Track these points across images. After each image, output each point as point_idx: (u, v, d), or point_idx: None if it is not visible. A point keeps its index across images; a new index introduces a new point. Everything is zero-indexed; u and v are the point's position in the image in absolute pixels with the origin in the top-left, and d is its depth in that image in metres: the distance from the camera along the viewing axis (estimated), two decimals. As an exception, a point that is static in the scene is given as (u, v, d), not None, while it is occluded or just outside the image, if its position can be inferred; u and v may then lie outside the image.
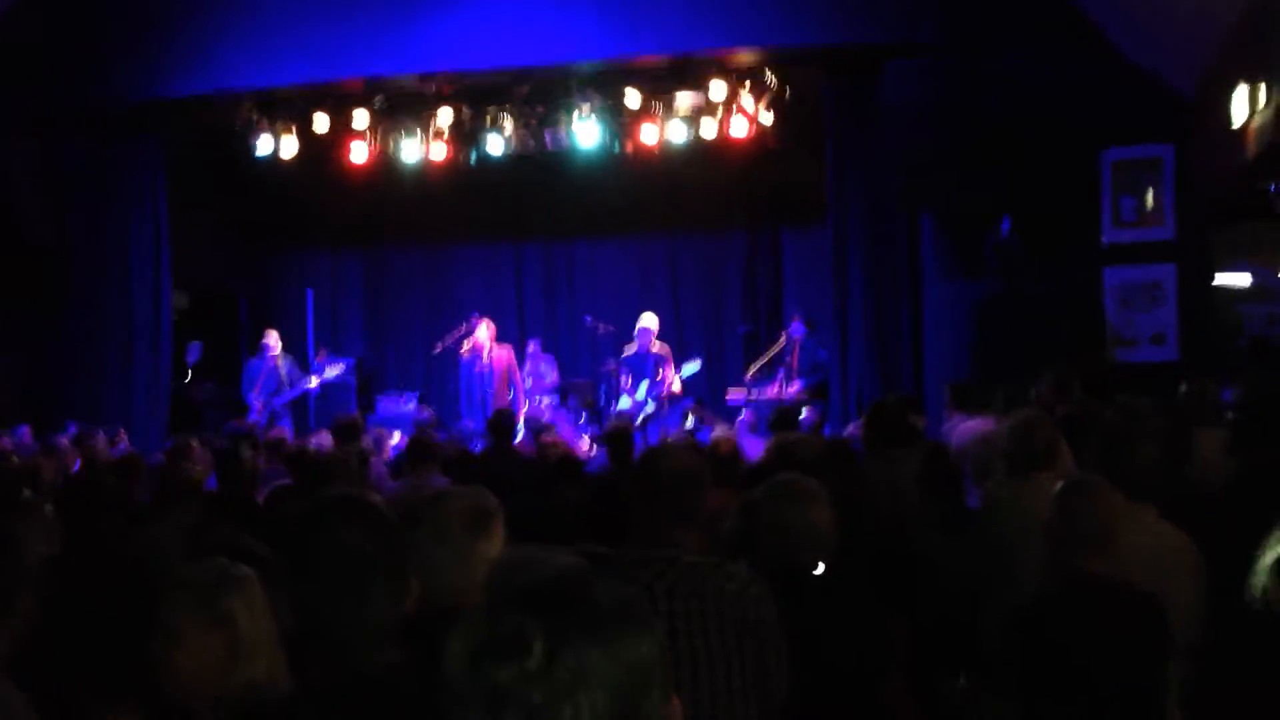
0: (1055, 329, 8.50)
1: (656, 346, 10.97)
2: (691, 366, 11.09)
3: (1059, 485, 3.18)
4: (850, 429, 8.20)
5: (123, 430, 9.18)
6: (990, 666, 3.77)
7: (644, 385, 10.75)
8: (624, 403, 10.83)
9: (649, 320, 10.99)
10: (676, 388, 10.77)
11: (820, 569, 3.21)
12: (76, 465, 7.41)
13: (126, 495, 5.24)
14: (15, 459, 6.90)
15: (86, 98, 10.47)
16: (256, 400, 11.36)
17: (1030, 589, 3.60)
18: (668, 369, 10.84)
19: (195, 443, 7.35)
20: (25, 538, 3.11)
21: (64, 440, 8.07)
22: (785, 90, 10.12)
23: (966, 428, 6.38)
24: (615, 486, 5.35)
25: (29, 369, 11.17)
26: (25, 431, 9.22)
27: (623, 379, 11.14)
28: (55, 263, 11.06)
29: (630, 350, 11.07)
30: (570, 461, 5.80)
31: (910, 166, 8.90)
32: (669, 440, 3.75)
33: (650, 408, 10.56)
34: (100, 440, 7.92)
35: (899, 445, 5.04)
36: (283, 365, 11.47)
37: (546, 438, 7.61)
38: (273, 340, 11.49)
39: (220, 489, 6.03)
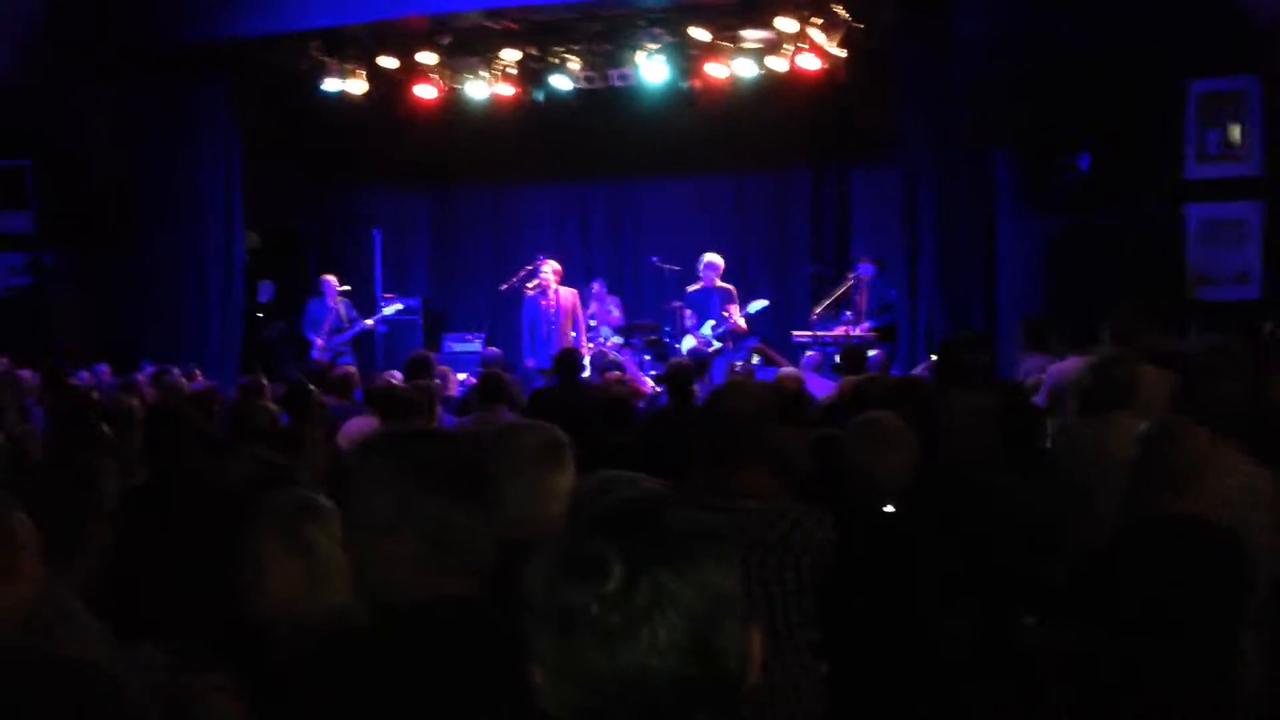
0: (1132, 266, 8.28)
1: (721, 284, 10.88)
2: (758, 304, 11.01)
3: (1145, 425, 3.11)
4: (919, 369, 8.12)
5: (197, 369, 9.34)
6: (1064, 605, 3.72)
7: (709, 324, 10.70)
8: (689, 341, 10.78)
9: (713, 257, 10.90)
10: (742, 324, 10.70)
11: (889, 508, 3.17)
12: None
13: (204, 428, 5.35)
14: (95, 394, 7.03)
15: (156, 39, 10.56)
16: (318, 339, 11.50)
17: (1106, 529, 3.54)
18: (733, 306, 10.76)
19: (266, 381, 7.51)
20: (102, 472, 3.18)
21: (141, 377, 8.25)
22: (856, 24, 9.88)
23: (1040, 364, 6.29)
24: (675, 424, 5.37)
25: (103, 309, 11.40)
26: (105, 369, 9.44)
27: (687, 317, 11.09)
28: (127, 204, 11.24)
29: (695, 288, 11.00)
30: (628, 400, 5.79)
31: (983, 100, 8.66)
32: (735, 378, 3.72)
33: (716, 346, 10.50)
34: (177, 377, 8.08)
35: (970, 384, 4.95)
36: (341, 305, 11.61)
37: (611, 375, 7.63)
38: (332, 281, 11.62)
39: (291, 425, 6.13)
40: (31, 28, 10.84)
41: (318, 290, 11.71)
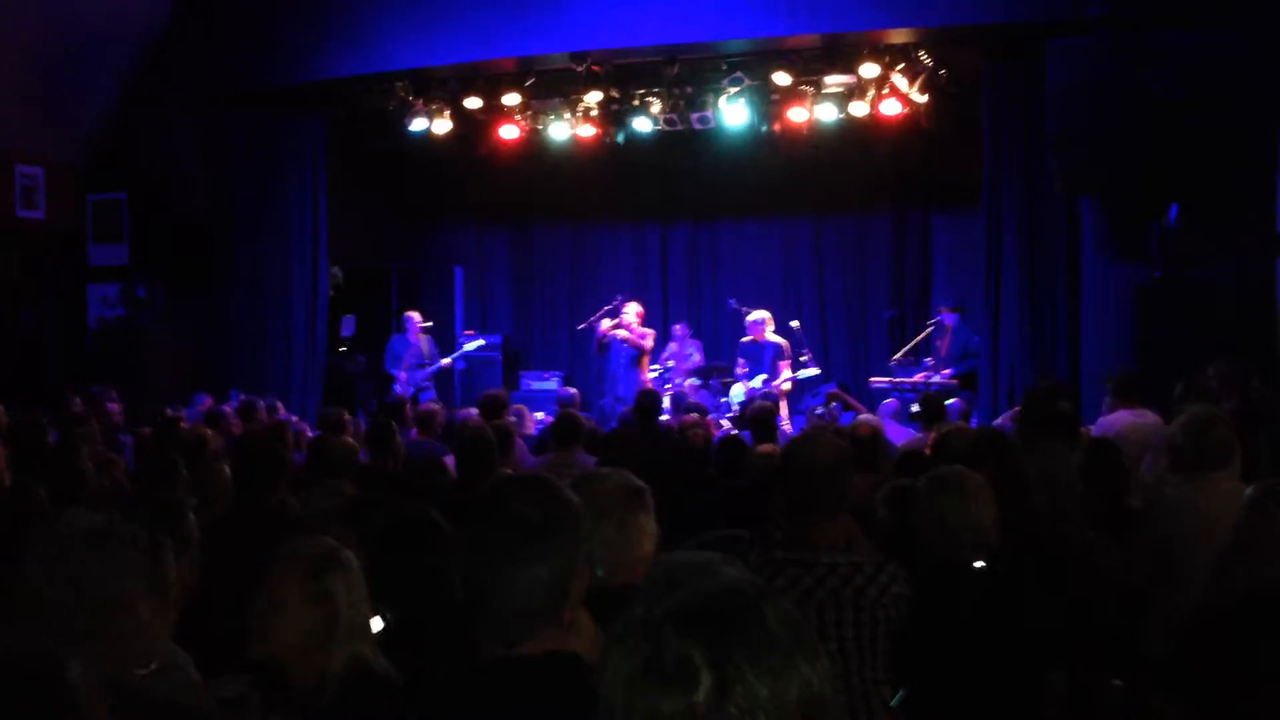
0: (1222, 319, 8.08)
1: (776, 339, 10.81)
2: (809, 372, 10.94)
3: (1251, 489, 3.02)
4: (1001, 420, 7.98)
5: (279, 402, 9.50)
6: (1152, 668, 3.61)
7: (760, 377, 10.66)
8: (738, 390, 10.77)
9: (761, 314, 10.86)
10: (786, 387, 10.62)
11: (979, 564, 3.11)
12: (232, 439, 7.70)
13: (285, 462, 5.42)
14: (183, 425, 7.19)
15: (251, 78, 10.88)
16: (400, 374, 11.65)
17: (1197, 592, 3.44)
18: (784, 364, 10.70)
19: (347, 415, 7.61)
20: (184, 506, 3.24)
21: (228, 409, 8.42)
22: (940, 70, 9.85)
23: (1122, 420, 6.15)
24: (755, 473, 5.33)
25: (194, 341, 11.68)
26: (205, 400, 9.64)
27: (740, 365, 11.07)
28: (218, 238, 11.53)
29: (747, 340, 10.97)
30: (706, 452, 5.76)
31: (1071, 148, 8.54)
32: (816, 430, 3.69)
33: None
34: (260, 410, 8.23)
35: (1055, 437, 4.85)
36: (424, 341, 11.77)
37: (688, 418, 7.60)
38: (415, 317, 11.79)
39: (372, 460, 6.21)
40: (131, 67, 11.22)
41: (401, 326, 11.88)
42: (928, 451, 6.16)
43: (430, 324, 12.08)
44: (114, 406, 8.55)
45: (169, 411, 8.54)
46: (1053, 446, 4.71)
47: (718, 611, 1.22)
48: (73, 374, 11.28)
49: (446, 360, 11.82)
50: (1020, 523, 3.39)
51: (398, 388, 11.49)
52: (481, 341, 12.26)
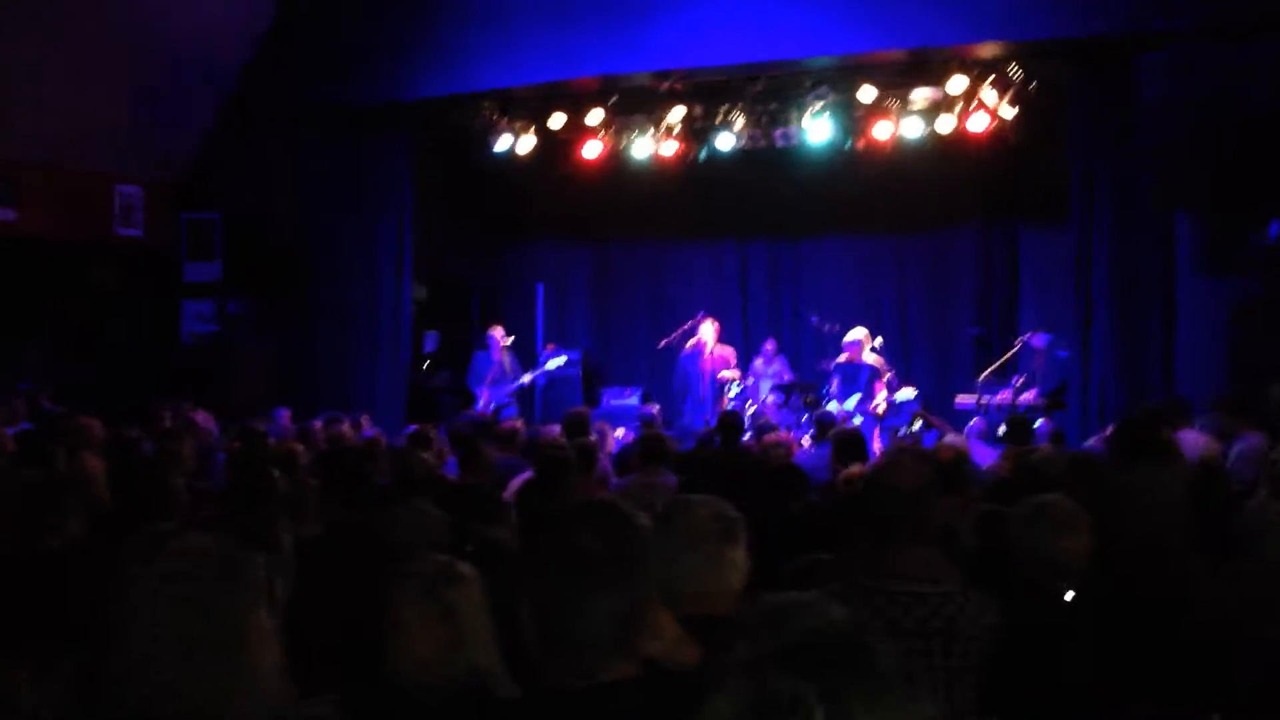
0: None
1: (873, 359, 10.66)
2: (906, 393, 10.77)
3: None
4: (1093, 441, 7.79)
5: (365, 417, 9.63)
6: (1251, 701, 3.48)
7: (854, 397, 10.52)
8: (831, 409, 10.65)
9: (859, 333, 10.72)
10: (881, 410, 10.46)
11: (1069, 595, 3.03)
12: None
13: (370, 479, 5.48)
14: (272, 442, 7.31)
15: (341, 98, 11.10)
16: (483, 392, 11.74)
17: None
18: (880, 385, 10.54)
19: (433, 432, 7.68)
20: (279, 526, 3.27)
21: (316, 425, 8.56)
22: (1030, 84, 9.68)
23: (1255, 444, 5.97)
24: (841, 496, 5.26)
25: (282, 356, 11.91)
26: (284, 415, 9.83)
27: (833, 384, 10.95)
28: (307, 255, 11.76)
29: (843, 359, 10.84)
30: (795, 469, 5.70)
31: (1164, 163, 8.35)
32: (899, 453, 3.62)
33: (858, 420, 10.27)
34: (346, 426, 8.34)
35: (1154, 461, 4.71)
36: (507, 358, 11.83)
37: (770, 438, 7.54)
38: (498, 334, 11.86)
39: (460, 477, 6.25)
40: (225, 90, 11.53)
41: (483, 343, 11.96)
42: (1005, 472, 6.06)
43: (512, 338, 12.15)
44: (208, 423, 8.72)
45: (254, 426, 8.72)
46: (1151, 471, 4.58)
47: (827, 651, 1.21)
48: (165, 387, 11.57)
49: (528, 377, 11.87)
50: (1114, 552, 3.29)
51: (480, 404, 11.60)
52: (564, 359, 12.29)
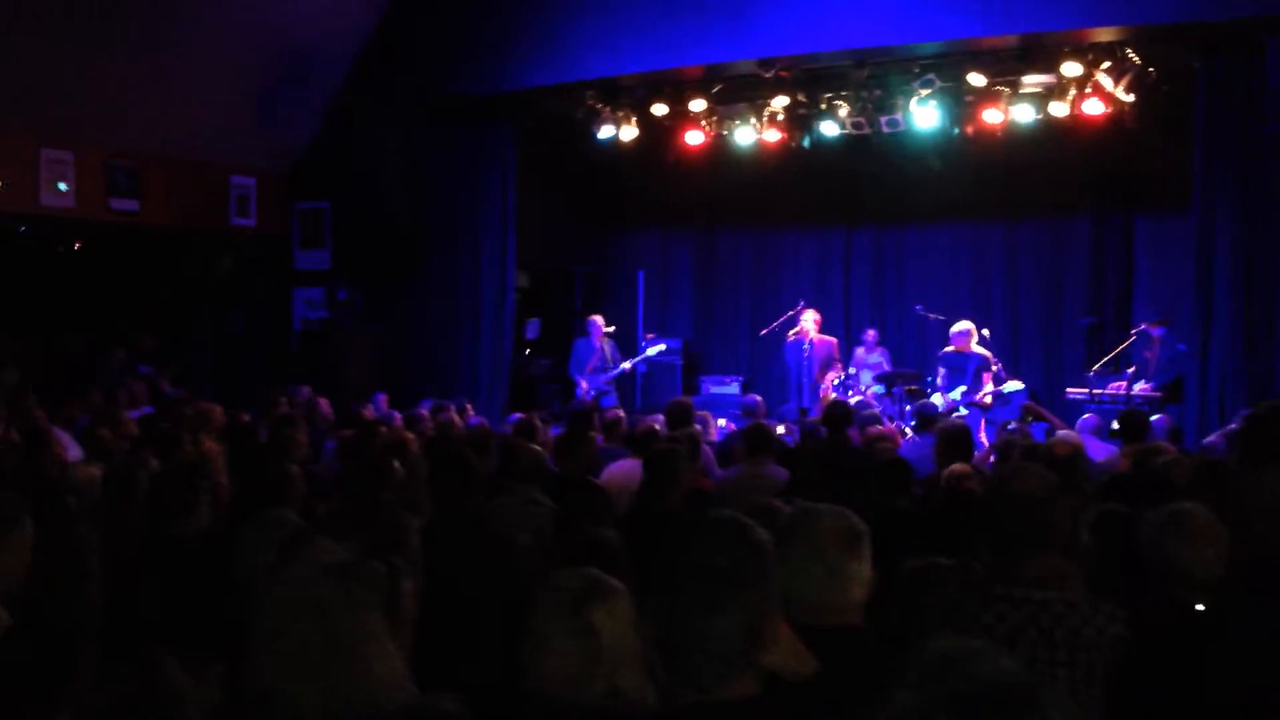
0: None
1: (980, 350, 10.45)
2: (1013, 385, 10.54)
3: None
4: (1213, 438, 7.55)
5: (469, 404, 9.77)
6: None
7: (960, 389, 10.33)
8: (936, 400, 10.47)
9: (965, 325, 10.50)
10: (988, 401, 10.25)
11: (1201, 607, 2.93)
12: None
13: (479, 469, 5.53)
14: (384, 430, 7.44)
15: (448, 89, 11.25)
16: (582, 379, 11.79)
17: None
18: (988, 376, 10.33)
19: (539, 421, 7.75)
20: (411, 525, 3.30)
21: (423, 412, 8.70)
22: (1148, 69, 9.38)
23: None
24: (950, 494, 5.18)
25: (389, 343, 12.15)
26: (382, 399, 10.02)
27: (941, 375, 10.77)
28: (414, 243, 11.97)
29: (949, 350, 10.64)
30: (902, 464, 5.62)
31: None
32: (1023, 460, 3.54)
33: (962, 412, 10.08)
34: (452, 413, 8.46)
35: (1272, 461, 4.54)
36: (607, 346, 11.85)
37: (874, 430, 7.45)
38: (599, 321, 11.87)
39: (562, 468, 6.29)
40: (336, 84, 11.77)
41: (584, 330, 12.03)
42: (1124, 465, 5.88)
43: (613, 328, 12.19)
44: (327, 409, 8.93)
45: (362, 412, 8.91)
46: (1275, 471, 4.42)
47: (998, 702, 1.21)
48: (278, 373, 11.91)
49: (628, 364, 11.88)
50: (1244, 561, 3.18)
51: (579, 391, 11.67)
52: (663, 346, 12.31)
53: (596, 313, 12.44)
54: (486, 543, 4.12)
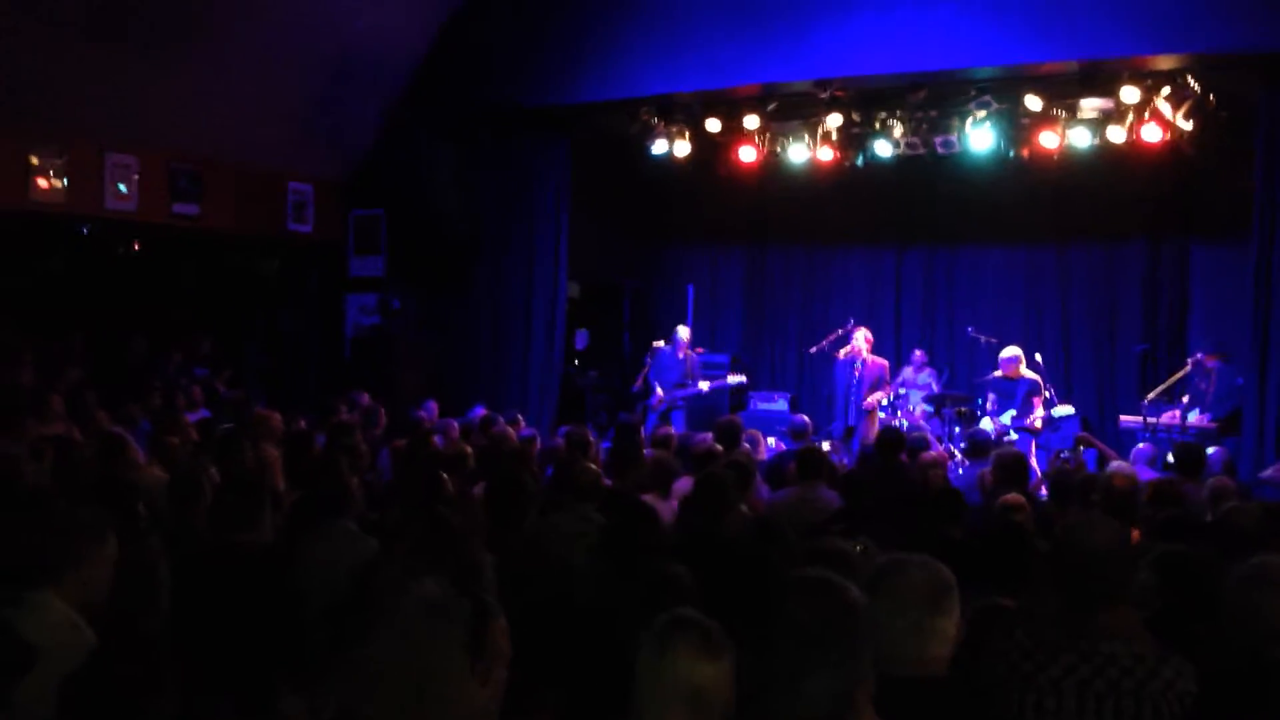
0: None
1: (1030, 374, 10.40)
2: (1064, 410, 10.49)
3: None
4: (1270, 472, 7.49)
5: (520, 416, 9.84)
6: None
7: (1010, 413, 10.29)
8: (986, 425, 10.43)
9: (1014, 351, 10.45)
10: (1038, 425, 10.20)
11: None
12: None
13: (537, 487, 5.59)
14: (440, 441, 7.53)
15: (505, 101, 11.35)
16: (659, 390, 11.67)
17: None
18: (1038, 400, 10.29)
19: (592, 437, 7.80)
20: (485, 563, 3.31)
21: (477, 422, 8.80)
22: (1208, 96, 9.31)
23: None
24: (1010, 528, 5.16)
25: (441, 351, 12.27)
26: (433, 407, 10.12)
27: (990, 400, 10.73)
28: (468, 253, 12.08)
29: (998, 375, 10.61)
30: (955, 493, 5.62)
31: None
32: (1090, 509, 3.49)
33: (1013, 437, 10.03)
34: (504, 426, 8.53)
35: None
36: (691, 360, 11.75)
37: (926, 457, 7.45)
38: (684, 333, 11.69)
39: (615, 485, 6.34)
40: (393, 93, 11.91)
41: (669, 340, 11.77)
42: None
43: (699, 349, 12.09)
44: (383, 417, 9.04)
45: (418, 422, 9.01)
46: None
47: None
48: (330, 378, 12.07)
49: (706, 385, 11.59)
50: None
51: (654, 399, 11.54)
52: (743, 378, 12.13)
53: (647, 326, 12.43)
54: (544, 569, 4.15)
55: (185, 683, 2.91)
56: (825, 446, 9.21)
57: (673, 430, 8.33)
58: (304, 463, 6.70)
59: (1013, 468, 5.93)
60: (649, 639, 2.28)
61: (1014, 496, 5.73)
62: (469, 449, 7.10)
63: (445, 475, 5.70)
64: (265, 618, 4.01)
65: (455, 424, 8.78)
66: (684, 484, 6.39)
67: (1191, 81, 9.29)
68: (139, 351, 11.66)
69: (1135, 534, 4.95)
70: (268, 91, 11.01)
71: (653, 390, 11.66)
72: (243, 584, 4.22)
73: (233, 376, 11.92)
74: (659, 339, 12.10)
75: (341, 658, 2.33)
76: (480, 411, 9.85)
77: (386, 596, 2.42)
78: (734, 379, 11.92)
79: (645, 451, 7.71)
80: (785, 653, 1.92)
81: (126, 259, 13.02)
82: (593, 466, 6.11)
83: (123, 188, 10.65)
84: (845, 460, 8.63)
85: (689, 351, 11.73)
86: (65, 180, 10.15)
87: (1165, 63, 9.10)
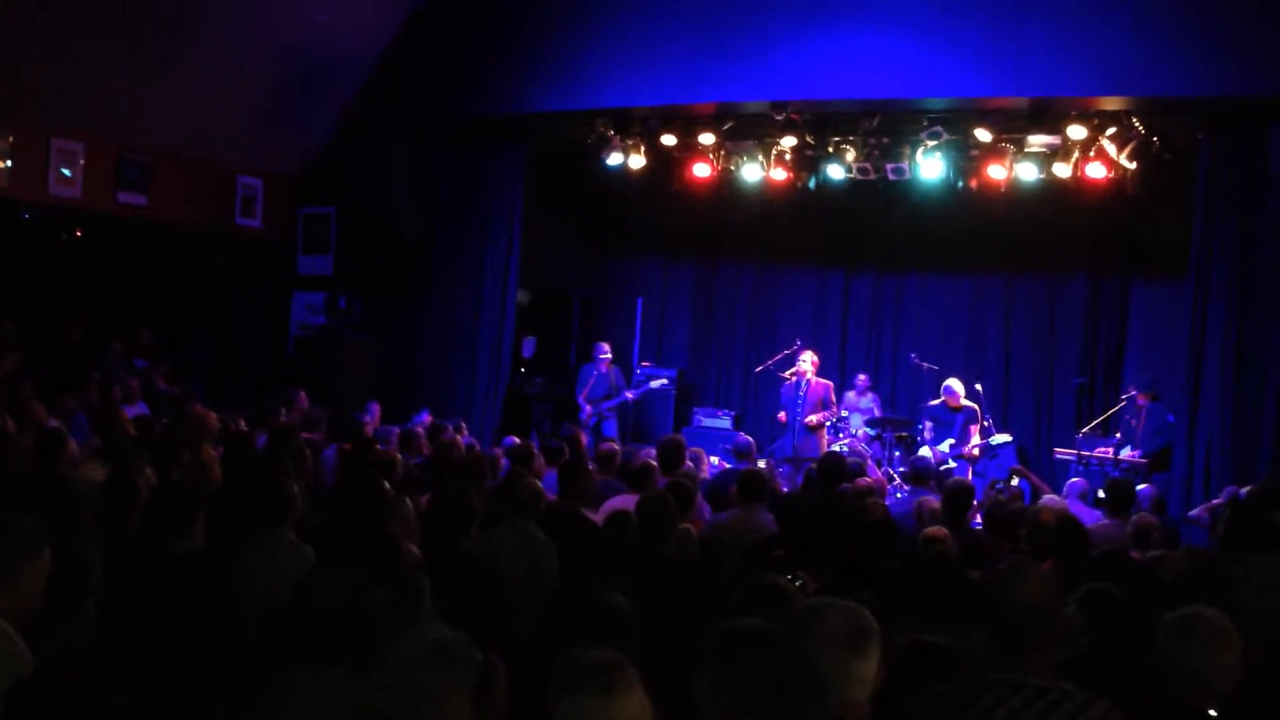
0: None
1: (969, 403, 10.57)
2: (1002, 438, 10.69)
3: None
4: (1197, 511, 7.67)
5: (464, 423, 9.79)
6: None
7: (948, 442, 10.47)
8: (924, 453, 10.61)
9: (955, 385, 10.65)
10: (976, 452, 10.37)
11: (1213, 712, 3.00)
12: (422, 458, 7.98)
13: (479, 504, 5.53)
14: (379, 448, 7.48)
15: (461, 108, 11.32)
16: (586, 404, 11.91)
17: None
18: (974, 428, 10.45)
19: (536, 449, 7.79)
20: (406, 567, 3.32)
21: (419, 428, 8.75)
22: (1153, 137, 9.53)
23: None
24: (941, 561, 5.23)
25: (387, 353, 12.18)
26: (375, 409, 10.05)
27: (927, 429, 10.91)
28: (420, 255, 12.01)
29: (936, 403, 10.79)
30: (890, 525, 5.70)
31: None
32: (1026, 558, 3.55)
33: (951, 465, 10.22)
34: (450, 434, 8.50)
35: (1269, 550, 4.64)
36: (612, 373, 12.02)
37: (863, 483, 7.52)
38: (605, 349, 12.03)
39: (559, 501, 6.33)
40: (350, 93, 11.82)
41: (590, 356, 12.12)
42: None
43: (608, 356, 12.27)
44: (325, 419, 8.97)
45: (359, 425, 8.93)
46: (1264, 561, 4.52)
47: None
48: (273, 375, 11.94)
49: (631, 394, 12.01)
50: (1254, 665, 3.23)
51: (582, 415, 11.76)
52: (665, 380, 12.44)
53: (595, 337, 12.52)
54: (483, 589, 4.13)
55: (115, 695, 2.88)
56: (761, 465, 9.32)
57: (617, 447, 8.33)
58: (243, 465, 6.62)
59: (957, 498, 6.02)
60: (554, 681, 2.31)
61: (936, 530, 5.81)
62: (401, 458, 7.05)
63: (385, 488, 5.65)
64: (199, 628, 3.99)
65: (395, 429, 8.71)
66: (618, 501, 6.42)
67: (1136, 123, 9.50)
68: (77, 341, 11.46)
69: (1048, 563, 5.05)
70: (221, 84, 10.89)
71: (580, 407, 11.84)
72: (176, 592, 4.19)
73: (173, 371, 11.74)
74: (606, 351, 12.19)
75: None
76: (425, 417, 9.82)
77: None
78: (656, 383, 12.13)
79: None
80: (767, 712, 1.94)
81: (68, 246, 12.80)
82: (536, 484, 6.09)
83: (67, 172, 10.48)
84: (782, 481, 8.69)
85: (611, 366, 12.04)
86: (8, 163, 9.97)
87: (1112, 104, 9.30)
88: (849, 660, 2.58)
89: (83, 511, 4.72)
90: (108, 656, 3.47)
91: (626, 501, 6.20)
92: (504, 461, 7.81)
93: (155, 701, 3.14)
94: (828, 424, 11.13)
